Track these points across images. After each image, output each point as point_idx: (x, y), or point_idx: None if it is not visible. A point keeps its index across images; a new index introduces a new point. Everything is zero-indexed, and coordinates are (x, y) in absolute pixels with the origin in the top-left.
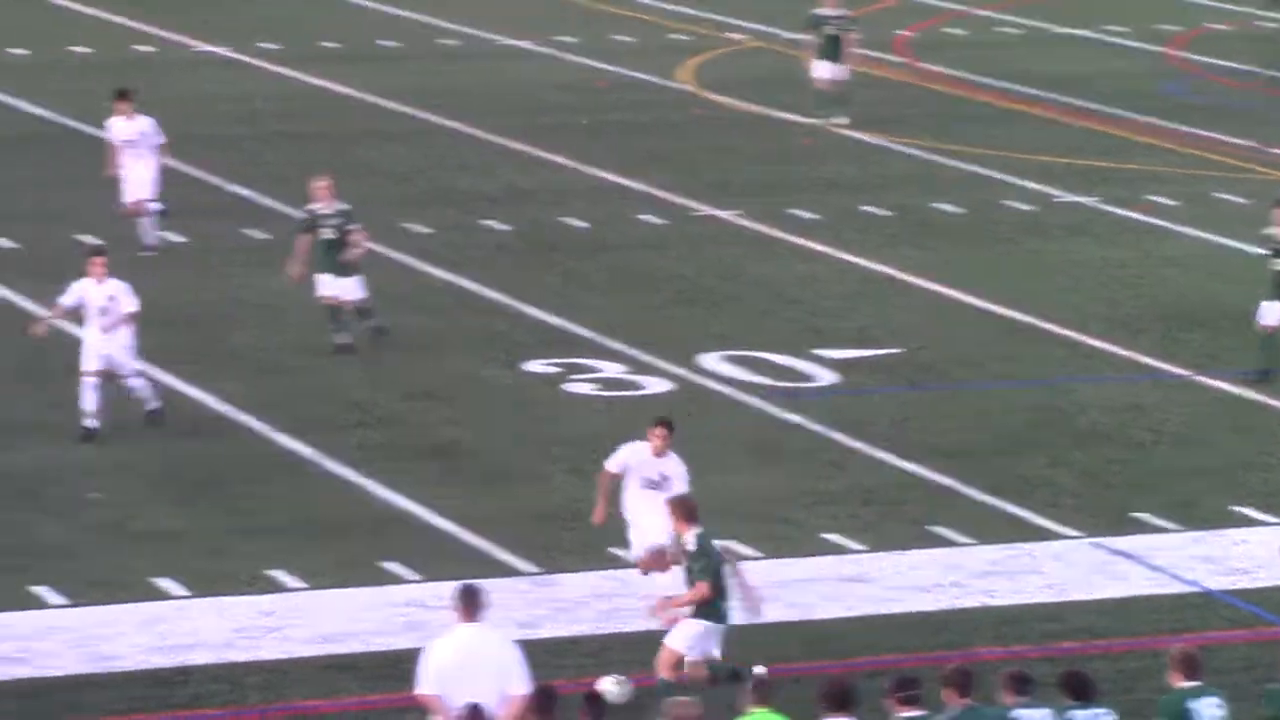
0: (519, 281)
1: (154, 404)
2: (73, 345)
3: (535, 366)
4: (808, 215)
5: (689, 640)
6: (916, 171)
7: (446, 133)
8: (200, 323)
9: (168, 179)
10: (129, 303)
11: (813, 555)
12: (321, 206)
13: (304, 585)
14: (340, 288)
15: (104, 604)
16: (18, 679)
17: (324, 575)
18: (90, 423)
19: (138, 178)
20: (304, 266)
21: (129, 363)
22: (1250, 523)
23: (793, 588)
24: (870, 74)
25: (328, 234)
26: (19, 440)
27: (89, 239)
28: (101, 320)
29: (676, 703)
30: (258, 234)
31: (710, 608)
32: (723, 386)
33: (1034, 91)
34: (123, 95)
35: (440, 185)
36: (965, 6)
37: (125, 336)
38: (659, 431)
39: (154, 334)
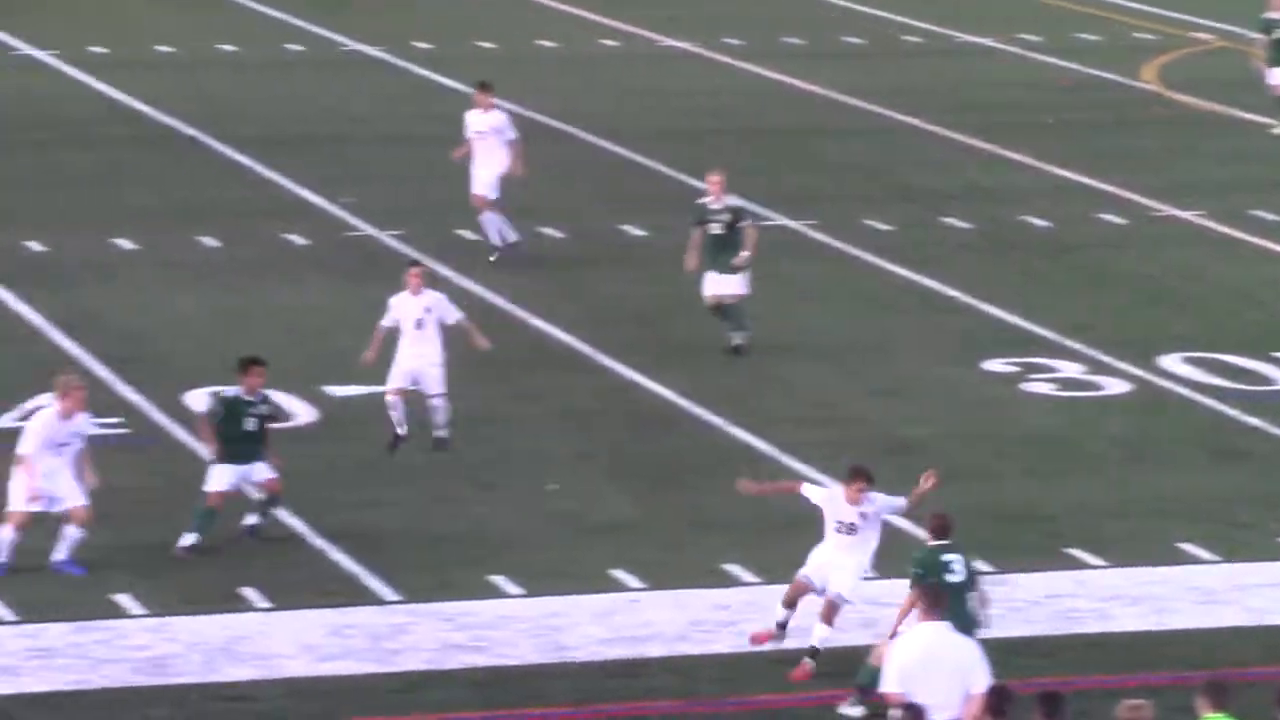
0: (979, 280)
1: (443, 432)
2: (526, 333)
3: (994, 365)
4: (1271, 217)
5: None
6: None
7: (908, 130)
8: (653, 318)
9: (627, 171)
10: (449, 313)
11: (1271, 560)
12: (711, 201)
13: (759, 580)
14: (722, 285)
15: (560, 594)
16: (476, 667)
17: (778, 570)
18: (399, 430)
19: (485, 173)
20: (698, 259)
21: (438, 382)
22: None
23: (1250, 592)
24: None
25: (715, 229)
26: (480, 430)
27: (550, 232)
28: (415, 334)
29: (1129, 705)
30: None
31: None
32: (1182, 388)
33: None
34: (483, 87)
35: (901, 182)
36: None
37: (435, 353)
38: (856, 484)
39: (609, 329)
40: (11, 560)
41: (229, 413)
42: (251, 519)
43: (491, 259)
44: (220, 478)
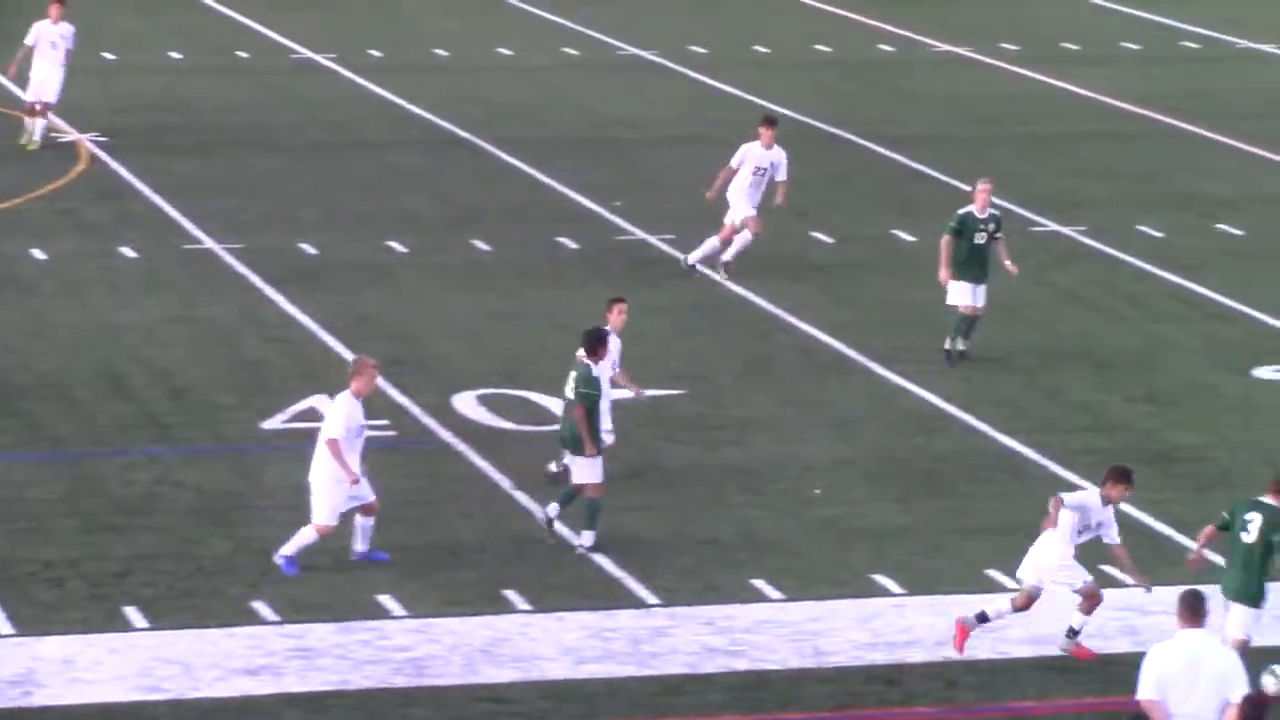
0: (1253, 286)
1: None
2: (799, 340)
3: (1266, 373)
4: None
5: None
6: None
7: (1184, 136)
8: (921, 323)
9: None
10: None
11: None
12: (976, 209)
13: (1018, 586)
14: (979, 296)
15: (821, 599)
16: (735, 671)
17: None
18: None
19: (735, 204)
20: (948, 269)
21: None
22: None
23: None
24: None
25: (979, 239)
26: (748, 436)
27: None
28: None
29: None
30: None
31: None
32: None
33: None
34: (769, 123)
35: (1177, 188)
36: None
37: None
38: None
39: (878, 333)
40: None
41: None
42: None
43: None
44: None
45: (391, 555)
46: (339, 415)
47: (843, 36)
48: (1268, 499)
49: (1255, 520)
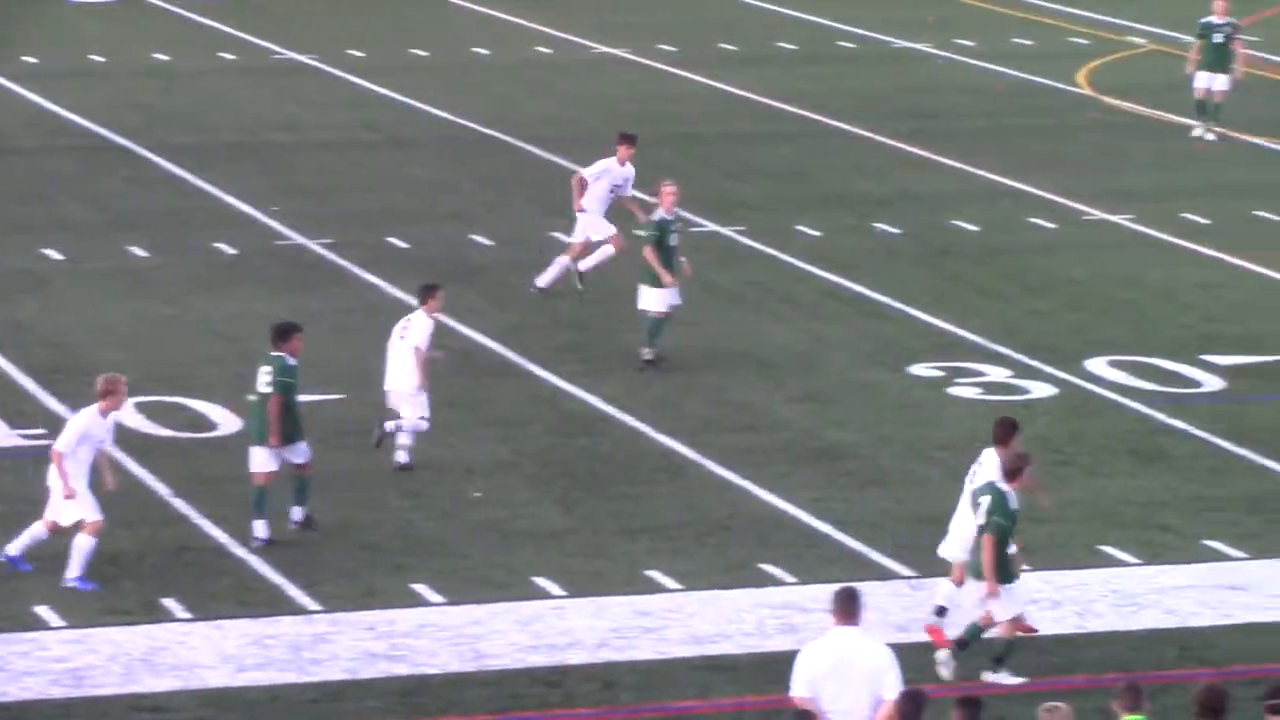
0: (910, 286)
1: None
2: (455, 341)
3: (921, 370)
4: (1201, 220)
5: None
6: None
7: (840, 135)
8: (589, 324)
9: (559, 178)
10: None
11: (1193, 562)
12: (665, 212)
13: (681, 586)
14: (666, 298)
15: (482, 602)
16: (396, 675)
17: (701, 576)
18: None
19: (590, 221)
20: (669, 273)
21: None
22: None
23: (1170, 594)
24: (1269, 78)
25: (673, 240)
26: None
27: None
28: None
29: (1048, 707)
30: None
31: None
32: (1108, 391)
33: None
34: (629, 140)
35: (833, 188)
36: None
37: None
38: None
39: (538, 336)
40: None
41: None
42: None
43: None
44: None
45: (49, 565)
46: (74, 429)
47: (500, 39)
48: (1000, 483)
49: (984, 501)
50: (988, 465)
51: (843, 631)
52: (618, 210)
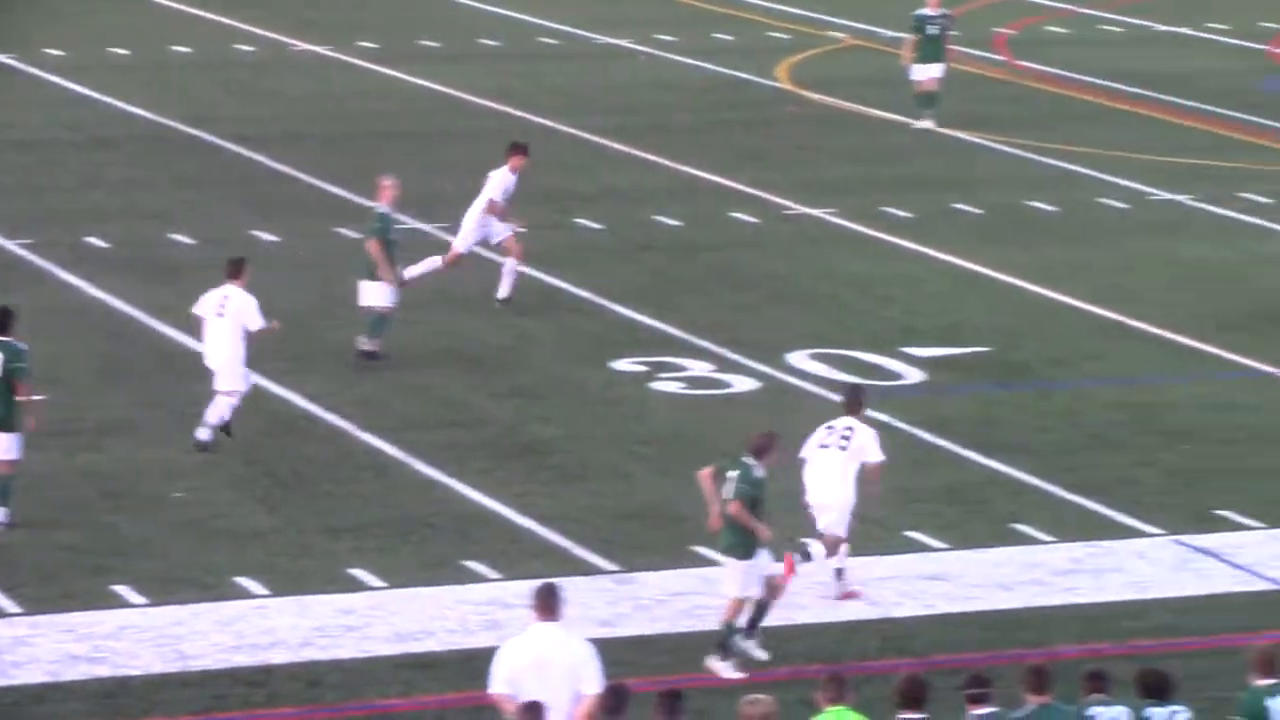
0: (610, 280)
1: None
2: (157, 343)
3: (624, 365)
4: (901, 214)
5: None
6: (1011, 170)
7: (542, 131)
8: (292, 321)
9: (263, 176)
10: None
11: (895, 553)
12: (387, 207)
13: (384, 584)
14: (390, 294)
15: (184, 603)
16: (97, 678)
17: (405, 574)
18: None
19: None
20: (391, 269)
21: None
22: None
23: (873, 585)
24: (968, 72)
25: (394, 235)
26: (105, 440)
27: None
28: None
29: (749, 700)
30: (349, 232)
31: None
32: (810, 385)
33: (1133, 90)
34: (523, 151)
35: (535, 184)
36: (1069, 5)
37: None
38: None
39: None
40: None
41: None
42: None
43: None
44: None
45: None
46: None
47: (201, 37)
48: (747, 458)
49: (732, 479)
50: (859, 431)
51: (543, 627)
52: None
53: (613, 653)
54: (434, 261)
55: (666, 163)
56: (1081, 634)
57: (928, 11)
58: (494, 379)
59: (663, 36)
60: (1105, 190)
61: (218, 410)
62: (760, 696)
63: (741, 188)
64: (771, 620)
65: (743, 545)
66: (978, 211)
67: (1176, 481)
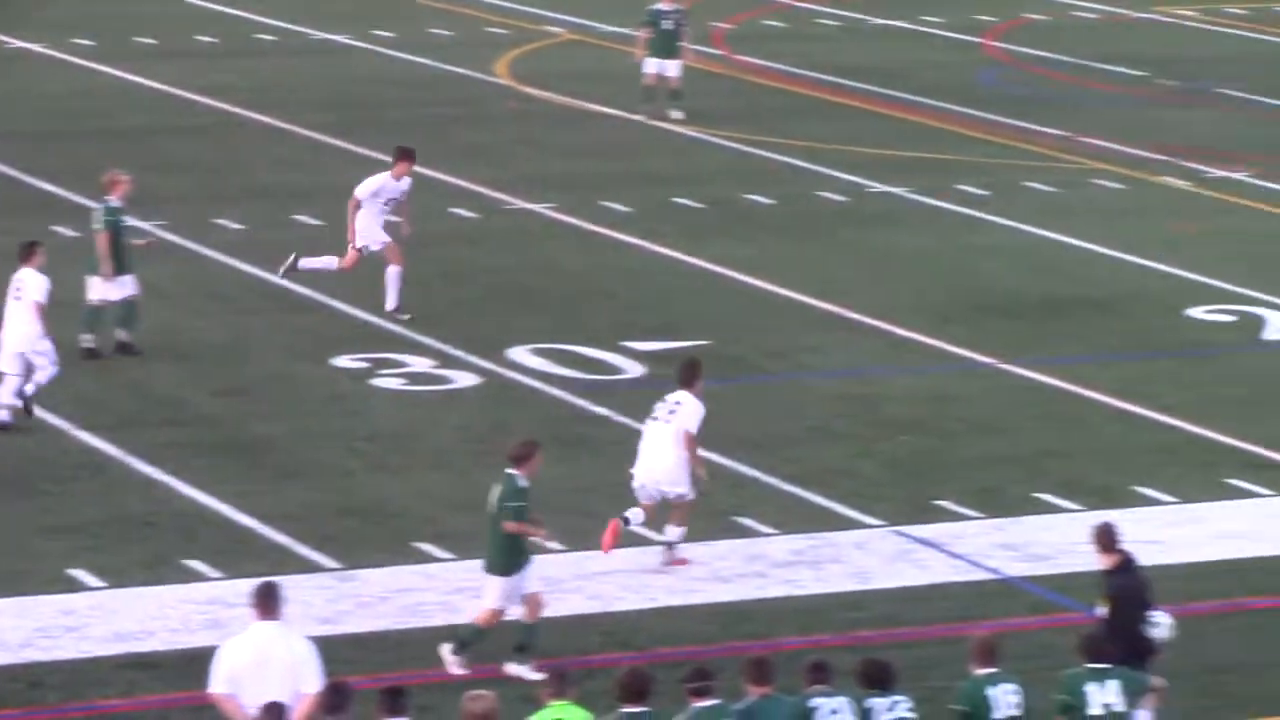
0: (330, 278)
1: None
2: None
3: (344, 362)
4: (621, 208)
5: None
6: (731, 164)
7: (261, 128)
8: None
9: None
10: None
11: (618, 547)
12: (117, 200)
13: (104, 584)
14: (122, 287)
15: None
16: None
17: (125, 574)
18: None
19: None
20: (109, 262)
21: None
22: (1052, 510)
23: (595, 579)
24: (688, 67)
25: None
26: None
27: None
28: None
29: (472, 695)
30: (65, 230)
31: None
32: (531, 379)
33: (850, 83)
34: (409, 156)
35: (254, 181)
36: None
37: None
38: None
39: None
40: None
41: None
42: None
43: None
44: None
45: None
46: None
47: None
48: (510, 469)
49: (494, 491)
50: (685, 404)
51: (263, 626)
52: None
53: (334, 651)
54: (330, 261)
55: (385, 159)
56: (803, 625)
57: (662, 6)
58: (213, 376)
59: (380, 32)
60: (823, 183)
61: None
62: (482, 692)
63: (461, 183)
64: None
65: (505, 562)
66: (698, 205)
67: (896, 473)
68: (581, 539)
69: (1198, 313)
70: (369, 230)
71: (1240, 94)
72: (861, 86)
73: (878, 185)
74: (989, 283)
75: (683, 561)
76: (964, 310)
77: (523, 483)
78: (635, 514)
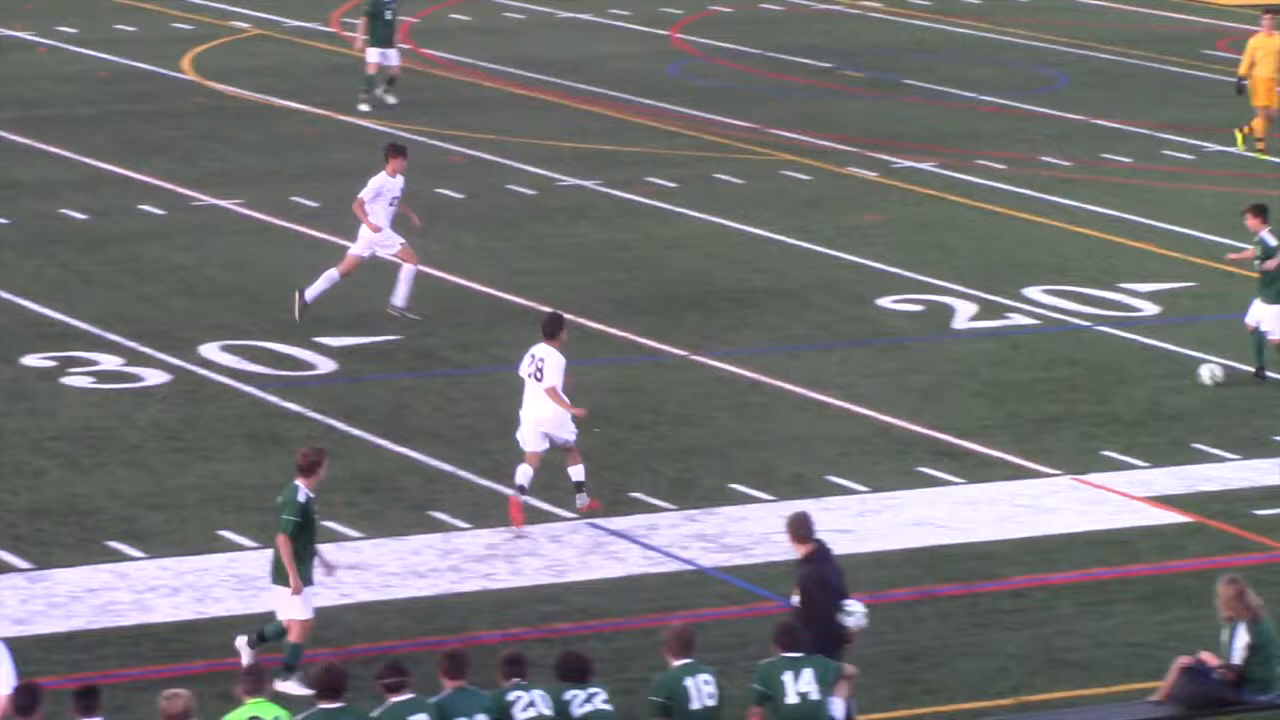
0: (17, 275)
1: None
2: None
3: (33, 361)
4: (310, 203)
5: None
6: (420, 158)
7: None
8: None
9: None
10: None
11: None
12: None
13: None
14: None
15: None
16: None
17: None
18: None
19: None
20: None
21: None
22: (745, 500)
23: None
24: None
25: None
26: None
27: None
28: None
29: (167, 694)
30: None
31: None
32: (222, 376)
33: (538, 76)
34: (399, 152)
35: None
36: None
37: None
38: None
39: None
40: None
41: None
42: None
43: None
44: None
45: None
46: None
47: None
48: (297, 480)
49: (279, 501)
50: (547, 359)
51: None
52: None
53: (26, 651)
54: (331, 275)
55: (72, 155)
56: (499, 619)
57: None
58: None
59: (64, 29)
60: (512, 177)
61: None
62: (179, 691)
63: (148, 180)
64: (185, 615)
65: (300, 569)
66: None
67: (590, 464)
68: (272, 538)
69: (887, 303)
70: (384, 236)
71: (926, 84)
72: (550, 80)
73: (568, 179)
74: (679, 274)
75: (595, 504)
76: (654, 302)
77: (303, 495)
78: (524, 472)
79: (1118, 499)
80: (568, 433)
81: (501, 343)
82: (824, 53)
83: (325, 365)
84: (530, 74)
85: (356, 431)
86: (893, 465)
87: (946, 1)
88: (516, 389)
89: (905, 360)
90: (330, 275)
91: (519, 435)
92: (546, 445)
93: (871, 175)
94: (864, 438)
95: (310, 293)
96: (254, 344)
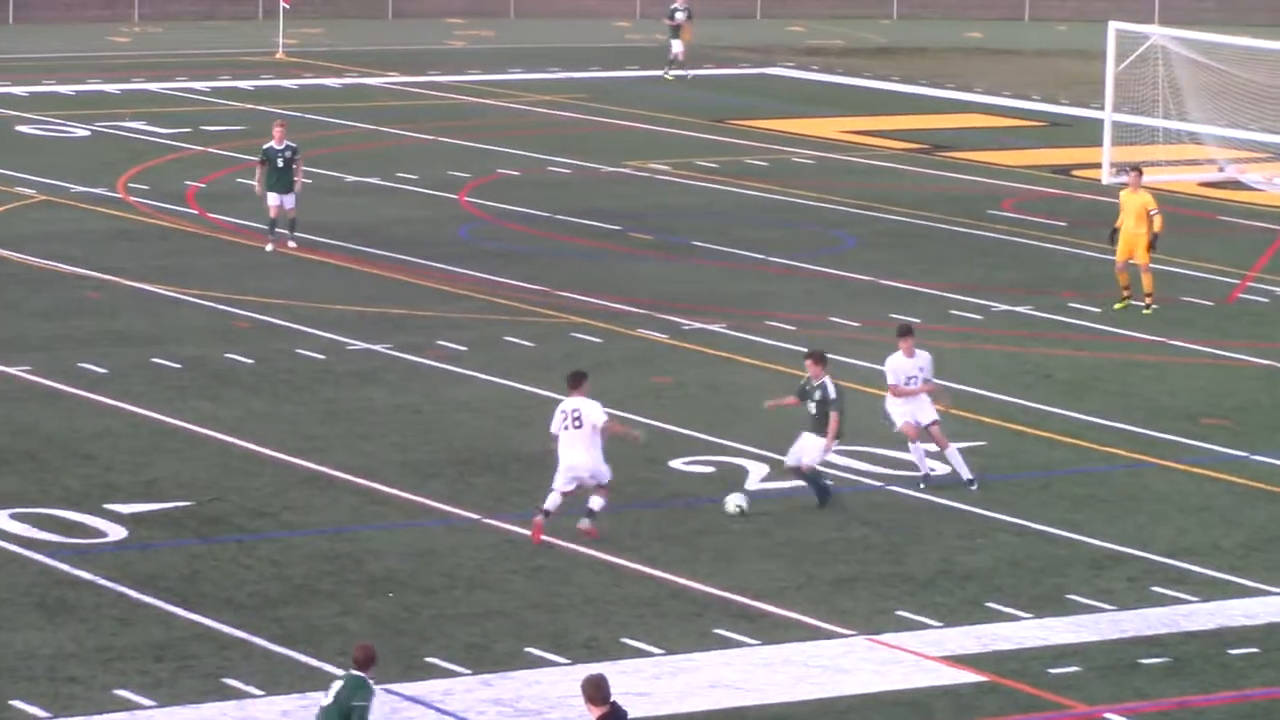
0: None
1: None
2: None
3: None
4: (98, 369)
5: None
6: (208, 322)
7: None
8: None
9: None
10: None
11: (102, 713)
12: None
13: None
14: None
15: None
16: None
17: None
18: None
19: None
20: None
21: None
22: (541, 663)
23: None
24: (162, 225)
25: None
26: None
27: None
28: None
29: None
30: None
31: None
32: (11, 545)
33: (329, 241)
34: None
35: None
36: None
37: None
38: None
39: None
40: None
41: None
42: None
43: None
44: None
45: None
46: None
47: None
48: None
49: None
50: (583, 406)
51: None
52: None
53: None
54: None
55: None
56: None
57: (274, 145)
58: None
59: None
60: (302, 341)
61: None
62: None
63: None
64: None
65: None
66: (175, 365)
67: (383, 630)
68: (65, 705)
69: (678, 464)
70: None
71: (716, 246)
72: (340, 244)
73: (358, 343)
74: (470, 437)
75: (594, 533)
76: (445, 465)
77: (371, 692)
78: (551, 500)
79: (912, 659)
80: (603, 476)
81: (293, 507)
82: (612, 215)
83: (116, 532)
84: (319, 239)
85: (148, 599)
86: (688, 627)
87: (733, 164)
88: (308, 555)
89: (699, 522)
90: None
91: (561, 479)
92: (574, 487)
93: (662, 337)
94: (659, 600)
95: None
96: (44, 511)
